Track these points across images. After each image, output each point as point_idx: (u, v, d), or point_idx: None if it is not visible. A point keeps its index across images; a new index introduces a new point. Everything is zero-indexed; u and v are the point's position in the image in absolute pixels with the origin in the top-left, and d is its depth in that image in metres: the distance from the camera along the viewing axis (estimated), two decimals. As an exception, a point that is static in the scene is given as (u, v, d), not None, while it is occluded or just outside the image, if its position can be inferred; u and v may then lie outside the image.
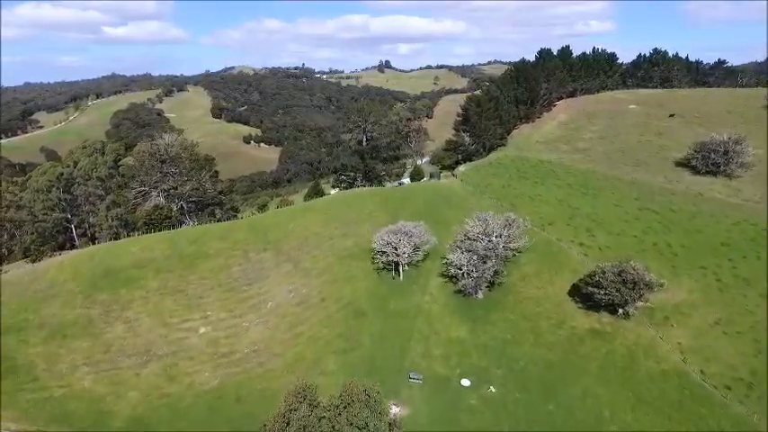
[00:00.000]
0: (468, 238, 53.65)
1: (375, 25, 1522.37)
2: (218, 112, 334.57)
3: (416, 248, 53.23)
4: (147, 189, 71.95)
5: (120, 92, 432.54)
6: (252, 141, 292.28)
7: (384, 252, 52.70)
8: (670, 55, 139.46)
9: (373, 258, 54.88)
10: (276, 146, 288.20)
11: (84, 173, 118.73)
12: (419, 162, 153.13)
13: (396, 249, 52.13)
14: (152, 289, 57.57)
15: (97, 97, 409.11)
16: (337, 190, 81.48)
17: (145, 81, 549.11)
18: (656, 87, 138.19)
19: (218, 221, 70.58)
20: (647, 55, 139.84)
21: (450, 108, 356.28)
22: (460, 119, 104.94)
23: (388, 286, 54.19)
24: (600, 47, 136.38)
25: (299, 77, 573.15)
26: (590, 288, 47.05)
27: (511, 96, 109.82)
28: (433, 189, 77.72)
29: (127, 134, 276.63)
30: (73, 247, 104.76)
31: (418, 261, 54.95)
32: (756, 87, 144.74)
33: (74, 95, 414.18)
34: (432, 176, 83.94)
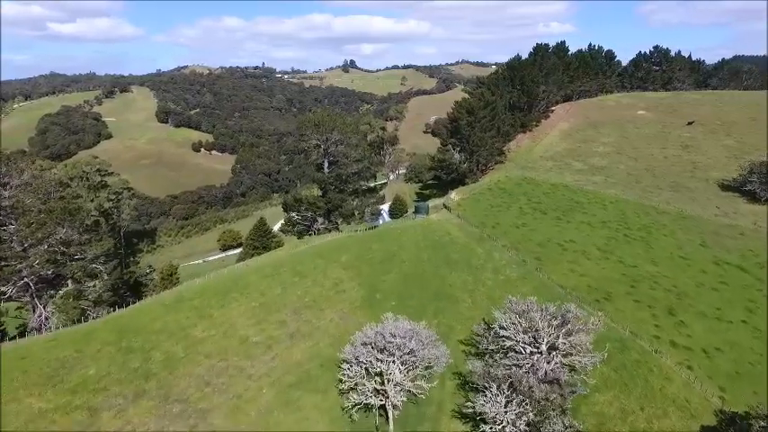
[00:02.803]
0: (500, 349, 32.15)
1: (338, 25, 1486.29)
2: (163, 116, 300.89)
3: (417, 373, 31.02)
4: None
5: (55, 92, 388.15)
6: (202, 149, 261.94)
7: (361, 386, 30.10)
8: (672, 54, 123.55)
9: (341, 391, 32.21)
10: (230, 153, 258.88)
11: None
12: (392, 176, 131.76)
13: (382, 383, 29.89)
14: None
15: (26, 99, 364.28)
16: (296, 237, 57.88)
17: (87, 81, 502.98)
18: (659, 89, 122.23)
19: (81, 314, 42.51)
20: (648, 53, 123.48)
21: (420, 109, 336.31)
22: (448, 129, 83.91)
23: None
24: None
25: (259, 78, 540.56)
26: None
27: (505, 101, 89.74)
28: (423, 234, 55.90)
29: (55, 142, 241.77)
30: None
31: (421, 393, 32.26)
32: (762, 90, 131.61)
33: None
34: (418, 211, 62.11)
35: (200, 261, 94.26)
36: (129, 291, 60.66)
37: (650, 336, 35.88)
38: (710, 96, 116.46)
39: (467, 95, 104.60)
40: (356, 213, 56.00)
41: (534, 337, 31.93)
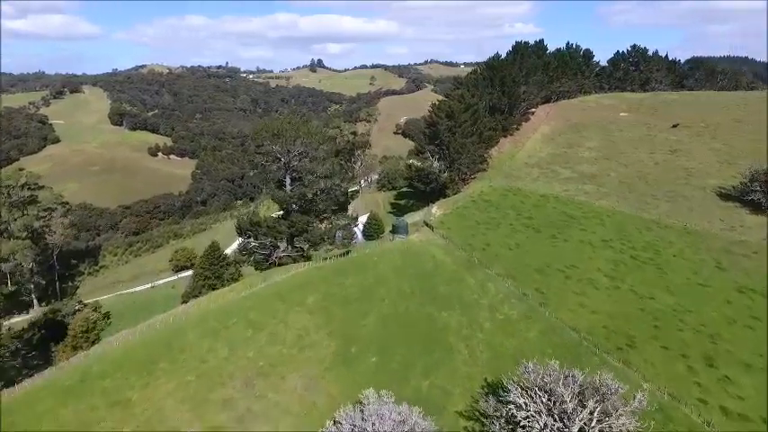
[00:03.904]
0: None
1: (305, 24, 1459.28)
2: (117, 118, 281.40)
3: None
4: None
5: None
6: (160, 153, 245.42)
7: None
8: (649, 53, 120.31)
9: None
10: (190, 158, 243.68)
11: None
12: (364, 183, 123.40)
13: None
14: None
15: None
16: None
17: (35, 80, 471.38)
18: (637, 90, 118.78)
19: None
20: (625, 53, 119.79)
21: (390, 110, 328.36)
22: (426, 135, 76.32)
23: None
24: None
25: (222, 77, 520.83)
26: None
27: (486, 103, 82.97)
28: (404, 260, 47.88)
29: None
30: None
31: None
32: (736, 90, 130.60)
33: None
34: (396, 231, 54.17)
35: (149, 285, 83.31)
36: (49, 334, 49.93)
37: (694, 399, 28.96)
38: (689, 97, 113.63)
39: (443, 97, 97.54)
40: (325, 239, 47.35)
41: (560, 417, 24.34)
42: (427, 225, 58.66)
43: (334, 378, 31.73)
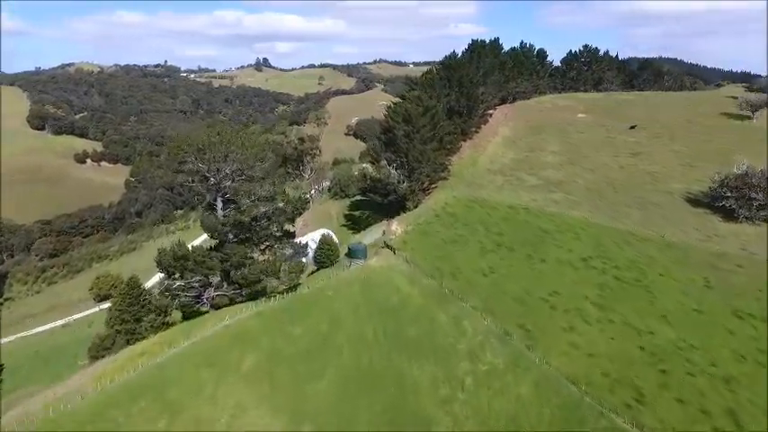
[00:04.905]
0: None
1: (250, 22, 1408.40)
2: (39, 122, 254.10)
3: None
4: None
5: None
6: (89, 159, 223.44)
7: None
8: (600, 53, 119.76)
9: None
10: (124, 164, 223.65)
11: None
12: (314, 192, 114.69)
13: None
14: None
15: None
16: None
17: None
18: (590, 90, 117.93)
19: None
20: (578, 53, 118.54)
21: (340, 110, 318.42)
22: (381, 141, 69.41)
23: None
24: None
25: (160, 77, 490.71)
26: None
27: (443, 105, 77.13)
28: (364, 293, 40.62)
29: None
30: None
31: None
32: (682, 91, 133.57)
33: None
34: (353, 255, 46.89)
35: (63, 322, 70.91)
36: None
37: (731, 477, 23.58)
38: (640, 97, 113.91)
39: (397, 98, 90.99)
40: (267, 275, 38.88)
41: None
42: (388, 247, 51.52)
43: (279, 480, 23.90)
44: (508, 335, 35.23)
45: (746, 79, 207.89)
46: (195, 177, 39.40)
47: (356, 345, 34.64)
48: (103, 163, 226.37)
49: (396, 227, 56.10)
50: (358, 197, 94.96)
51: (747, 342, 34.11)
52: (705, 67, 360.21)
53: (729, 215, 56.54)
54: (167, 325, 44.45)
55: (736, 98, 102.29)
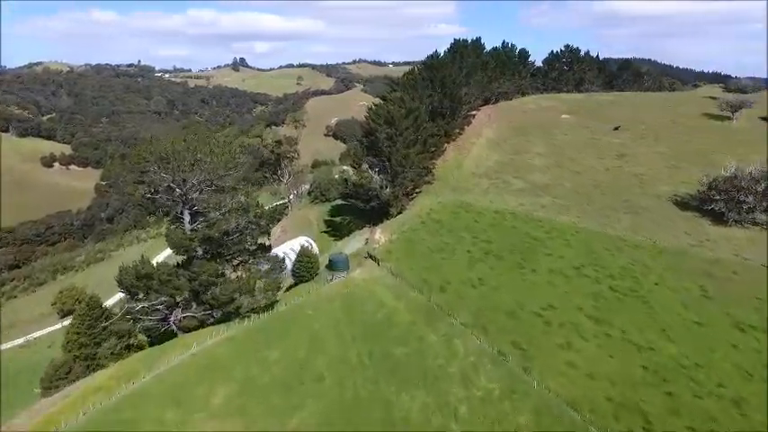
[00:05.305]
0: None
1: (227, 21, 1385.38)
2: (3, 124, 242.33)
3: None
4: None
5: None
6: (56, 163, 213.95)
7: None
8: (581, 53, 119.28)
9: None
10: (94, 168, 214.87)
11: None
12: (293, 196, 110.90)
13: None
14: None
15: None
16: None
17: None
18: (572, 90, 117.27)
19: None
20: (559, 53, 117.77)
21: (319, 111, 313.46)
22: (362, 144, 66.55)
23: None
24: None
25: (134, 77, 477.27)
26: None
27: (426, 106, 74.61)
28: (346, 311, 37.70)
29: None
30: None
31: None
32: (661, 91, 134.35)
33: None
34: (334, 267, 43.91)
35: (22, 341, 65.88)
36: None
37: None
38: (621, 98, 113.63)
39: (377, 98, 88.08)
40: (240, 294, 35.45)
41: None
42: (371, 257, 48.71)
43: None
44: (502, 355, 32.75)
45: (719, 80, 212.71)
46: (159, 188, 35.79)
47: (339, 370, 31.67)
48: (72, 166, 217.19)
49: (379, 235, 53.29)
50: (339, 201, 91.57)
51: (752, 356, 32.41)
52: (678, 68, 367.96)
53: (719, 218, 55.38)
54: (131, 348, 40.53)
55: (715, 99, 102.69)
